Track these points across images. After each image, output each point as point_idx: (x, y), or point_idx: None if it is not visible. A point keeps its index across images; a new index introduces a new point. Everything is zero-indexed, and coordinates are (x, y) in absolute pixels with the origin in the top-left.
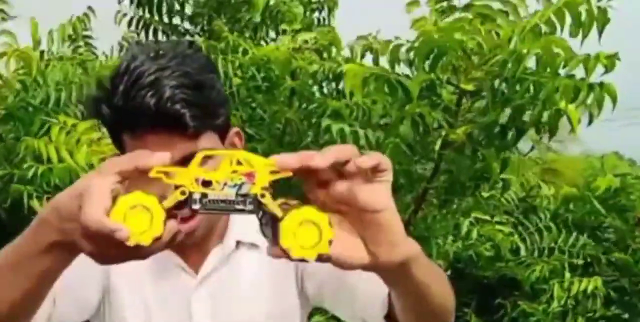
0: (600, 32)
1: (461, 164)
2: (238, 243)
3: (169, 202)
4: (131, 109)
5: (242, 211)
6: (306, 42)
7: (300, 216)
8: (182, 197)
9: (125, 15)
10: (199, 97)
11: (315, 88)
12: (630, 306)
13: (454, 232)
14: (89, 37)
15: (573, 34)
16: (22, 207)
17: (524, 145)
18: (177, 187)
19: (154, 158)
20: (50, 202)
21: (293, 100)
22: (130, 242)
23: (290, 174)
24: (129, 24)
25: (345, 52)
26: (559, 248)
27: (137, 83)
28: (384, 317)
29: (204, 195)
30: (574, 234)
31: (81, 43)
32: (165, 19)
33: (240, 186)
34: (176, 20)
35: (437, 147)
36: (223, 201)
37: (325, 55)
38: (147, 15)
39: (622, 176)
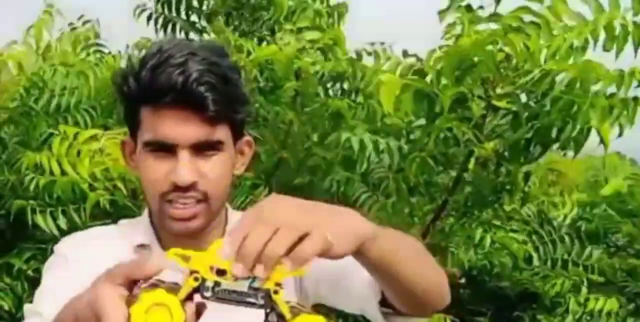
0: (636, 48)
1: (484, 177)
2: None
3: (184, 293)
4: (157, 83)
5: (252, 304)
6: (311, 41)
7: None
8: (196, 284)
9: (144, 10)
10: (223, 87)
11: (319, 88)
12: None
13: (467, 240)
14: (100, 44)
15: (607, 48)
16: (22, 215)
17: None
18: (191, 271)
19: (152, 268)
20: (65, 306)
21: (296, 102)
22: None
23: (304, 273)
24: (148, 19)
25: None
26: (573, 260)
27: (167, 62)
28: (379, 303)
29: (217, 283)
30: (589, 247)
31: (91, 50)
32: (184, 16)
33: (253, 279)
34: (194, 17)
35: (461, 158)
36: (234, 292)
37: (330, 55)
38: (167, 11)
39: (631, 178)
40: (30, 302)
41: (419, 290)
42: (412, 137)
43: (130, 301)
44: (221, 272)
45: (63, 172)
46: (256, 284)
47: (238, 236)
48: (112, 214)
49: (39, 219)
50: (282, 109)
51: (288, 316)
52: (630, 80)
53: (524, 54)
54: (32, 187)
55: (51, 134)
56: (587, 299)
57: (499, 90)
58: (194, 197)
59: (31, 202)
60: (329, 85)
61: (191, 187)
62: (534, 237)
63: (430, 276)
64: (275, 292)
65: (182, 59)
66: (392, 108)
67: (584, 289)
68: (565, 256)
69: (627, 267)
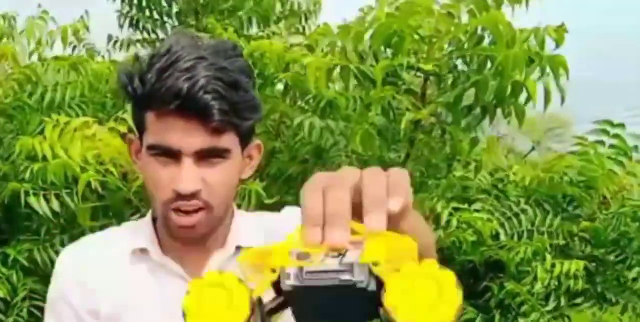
0: None
1: (432, 146)
2: (238, 248)
3: (261, 288)
4: (162, 88)
5: (348, 281)
6: (297, 44)
7: (417, 270)
8: (274, 276)
9: (127, 16)
10: (231, 94)
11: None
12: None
13: (433, 222)
14: (89, 43)
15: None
16: (17, 205)
17: (523, 146)
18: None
19: None
20: None
21: (287, 94)
22: None
23: (414, 247)
24: (130, 24)
25: None
26: (538, 230)
27: (174, 65)
28: None
29: (300, 268)
30: (550, 215)
31: (82, 46)
32: (156, 16)
33: (344, 255)
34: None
35: (406, 131)
36: (324, 272)
37: (317, 50)
38: (135, 12)
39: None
40: (25, 290)
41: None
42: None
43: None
44: (303, 256)
45: (55, 157)
46: (348, 260)
47: (315, 204)
48: (103, 196)
49: (33, 201)
50: (273, 102)
51: None
52: (544, 35)
53: (446, 21)
54: (27, 174)
55: (44, 127)
56: (553, 265)
57: (428, 60)
58: (197, 205)
59: (25, 185)
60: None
61: (194, 195)
62: (496, 214)
63: (429, 234)
64: (375, 264)
65: (190, 64)
66: (323, 86)
67: (548, 256)
68: (530, 227)
69: (584, 232)
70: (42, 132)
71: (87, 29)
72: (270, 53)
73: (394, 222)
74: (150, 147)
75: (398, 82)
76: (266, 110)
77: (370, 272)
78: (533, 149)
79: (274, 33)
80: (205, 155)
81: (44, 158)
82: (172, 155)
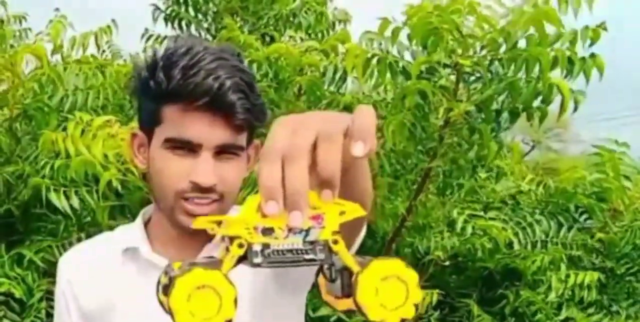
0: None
1: (459, 146)
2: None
3: (228, 265)
4: (190, 85)
5: (312, 261)
6: (314, 48)
7: (385, 269)
8: (241, 252)
9: (160, 11)
10: (252, 95)
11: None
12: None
13: (449, 228)
14: (115, 44)
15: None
16: (34, 204)
17: (523, 145)
18: (231, 239)
19: None
20: None
21: (301, 98)
22: None
23: (364, 214)
24: (165, 19)
25: None
26: (552, 241)
27: (199, 64)
28: None
29: (266, 245)
30: (564, 227)
31: (106, 49)
32: (192, 13)
33: (307, 232)
34: (201, 16)
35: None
36: (289, 251)
37: (332, 55)
38: (176, 8)
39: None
40: (41, 291)
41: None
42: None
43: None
44: (267, 231)
45: (77, 154)
46: (311, 237)
47: (272, 168)
48: (123, 195)
49: (53, 196)
50: (288, 105)
51: (356, 268)
52: (585, 37)
53: (483, 18)
54: (47, 170)
55: (65, 128)
56: (567, 276)
57: (464, 58)
58: (212, 197)
59: (46, 181)
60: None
61: (211, 188)
62: (511, 223)
63: (370, 191)
64: (335, 241)
65: (214, 65)
66: (362, 77)
67: (563, 266)
68: (543, 237)
69: (597, 244)
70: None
71: (111, 38)
72: (287, 57)
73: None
74: (169, 140)
75: (432, 78)
76: (280, 113)
77: (329, 249)
78: (533, 148)
79: (290, 37)
80: (222, 151)
81: (66, 155)
82: (190, 148)
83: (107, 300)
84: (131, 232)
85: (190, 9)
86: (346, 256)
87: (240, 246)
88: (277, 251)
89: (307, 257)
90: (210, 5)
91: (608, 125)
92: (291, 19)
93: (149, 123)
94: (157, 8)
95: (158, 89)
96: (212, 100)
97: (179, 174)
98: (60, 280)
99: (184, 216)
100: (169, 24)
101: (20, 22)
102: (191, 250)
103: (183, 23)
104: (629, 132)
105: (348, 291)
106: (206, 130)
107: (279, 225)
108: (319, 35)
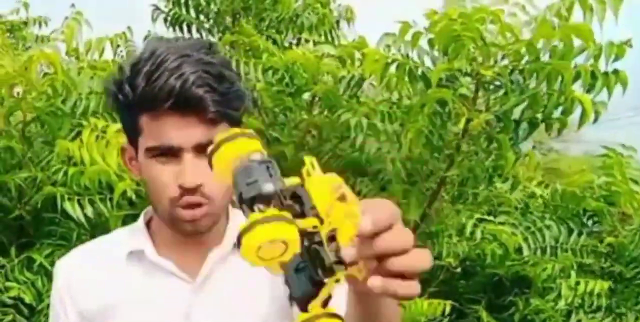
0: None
1: (476, 155)
2: (235, 245)
3: (325, 292)
4: (154, 89)
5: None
6: (330, 55)
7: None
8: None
9: (161, 12)
10: (221, 86)
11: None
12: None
13: (458, 233)
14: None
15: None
16: (46, 209)
17: (523, 144)
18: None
19: None
20: None
21: (314, 105)
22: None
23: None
24: (165, 20)
25: None
26: (561, 247)
27: (162, 66)
28: None
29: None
30: (575, 231)
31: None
32: (193, 14)
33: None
34: (202, 17)
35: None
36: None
37: (348, 62)
38: (177, 10)
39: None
40: (50, 296)
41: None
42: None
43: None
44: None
45: (91, 163)
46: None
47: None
48: (136, 204)
49: (68, 206)
50: (302, 112)
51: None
52: (611, 52)
53: (509, 29)
54: (59, 176)
55: (78, 133)
56: (577, 283)
57: (486, 67)
58: (200, 199)
59: (60, 189)
60: (354, 89)
61: (197, 189)
62: (520, 228)
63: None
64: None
65: (177, 63)
66: (380, 82)
67: (573, 274)
68: (553, 243)
69: (606, 248)
70: (74, 138)
71: (126, 43)
72: (304, 64)
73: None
74: (150, 149)
75: (451, 86)
76: (294, 121)
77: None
78: (534, 148)
79: (306, 41)
80: (203, 149)
81: (80, 162)
82: (172, 153)
83: (109, 301)
84: (134, 235)
85: (192, 11)
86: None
87: (337, 281)
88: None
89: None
90: (212, 6)
91: (610, 125)
92: (294, 19)
93: (132, 135)
94: (157, 8)
95: (126, 101)
96: (179, 100)
97: (168, 181)
98: (57, 283)
99: (182, 223)
100: (171, 26)
101: (40, 25)
102: (195, 253)
103: (184, 25)
104: (631, 132)
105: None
106: (181, 132)
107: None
108: (323, 36)
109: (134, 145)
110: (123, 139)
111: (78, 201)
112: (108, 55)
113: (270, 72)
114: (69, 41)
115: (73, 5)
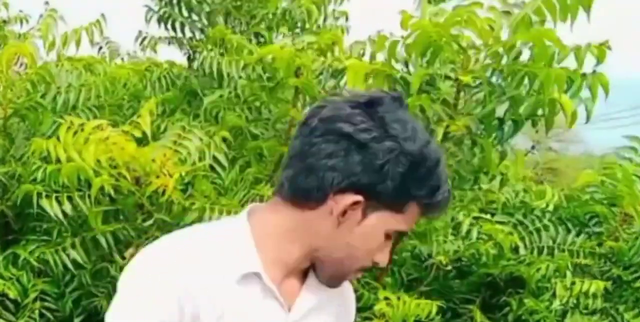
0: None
1: (460, 158)
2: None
3: None
4: (446, 200)
5: None
6: (309, 43)
7: None
8: None
9: (154, 12)
10: None
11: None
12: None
13: (453, 231)
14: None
15: (561, 19)
16: (28, 205)
17: (523, 144)
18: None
19: None
20: None
21: (297, 99)
22: None
23: None
24: (158, 21)
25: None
26: (559, 247)
27: (444, 179)
28: None
29: None
30: (572, 232)
31: (104, 45)
32: (186, 13)
33: None
34: (195, 16)
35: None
36: None
37: (328, 54)
38: (168, 9)
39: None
40: (35, 291)
41: None
42: None
43: None
44: None
45: (69, 160)
46: None
47: None
48: (116, 200)
49: (45, 203)
50: (283, 107)
51: None
52: (586, 52)
53: (487, 33)
54: (39, 174)
55: (57, 127)
56: (573, 283)
57: (467, 70)
58: None
59: (38, 187)
60: (330, 82)
61: None
62: (519, 227)
63: None
64: None
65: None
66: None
67: (569, 274)
68: (550, 243)
69: (606, 250)
70: (54, 133)
71: (102, 32)
72: (281, 58)
73: None
74: (397, 231)
75: (432, 91)
76: (276, 114)
77: None
78: (533, 148)
79: (283, 35)
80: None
81: (58, 160)
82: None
83: (220, 317)
84: (244, 253)
85: (184, 10)
86: None
87: None
88: None
89: None
90: (204, 5)
91: (608, 125)
92: (286, 17)
93: (389, 207)
94: (150, 9)
95: (427, 193)
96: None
97: (373, 254)
98: (177, 282)
99: (341, 281)
100: (162, 25)
101: (22, 23)
102: (294, 281)
103: (177, 24)
104: (631, 132)
105: None
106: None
107: None
108: (314, 29)
109: (373, 208)
110: (102, 135)
111: (56, 197)
112: (87, 50)
113: (250, 67)
114: (45, 36)
115: (47, 2)
